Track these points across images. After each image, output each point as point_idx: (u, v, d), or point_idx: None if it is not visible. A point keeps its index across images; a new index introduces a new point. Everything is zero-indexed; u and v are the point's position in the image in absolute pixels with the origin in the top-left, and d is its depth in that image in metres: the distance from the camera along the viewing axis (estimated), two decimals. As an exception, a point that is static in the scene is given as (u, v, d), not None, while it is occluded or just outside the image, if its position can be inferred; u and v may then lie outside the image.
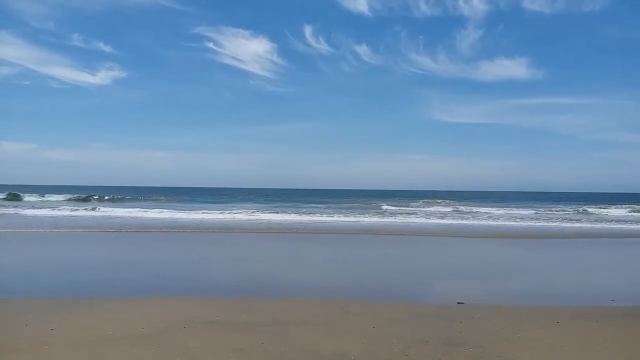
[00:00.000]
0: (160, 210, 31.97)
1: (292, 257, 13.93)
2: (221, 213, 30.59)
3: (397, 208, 41.16)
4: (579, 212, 39.63)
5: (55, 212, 29.66)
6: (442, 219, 30.02)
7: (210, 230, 20.70)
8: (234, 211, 32.46)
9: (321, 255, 14.56)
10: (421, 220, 28.78)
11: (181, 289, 8.85)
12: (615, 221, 30.72)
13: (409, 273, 11.46)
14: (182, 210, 32.40)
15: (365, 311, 7.03)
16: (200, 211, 31.59)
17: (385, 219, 28.80)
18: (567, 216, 35.53)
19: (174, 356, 5.04)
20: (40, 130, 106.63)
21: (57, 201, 45.98)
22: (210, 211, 31.92)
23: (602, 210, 42.25)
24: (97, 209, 32.36)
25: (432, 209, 42.08)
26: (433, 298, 8.38)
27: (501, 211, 39.54)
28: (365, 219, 28.51)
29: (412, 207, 44.18)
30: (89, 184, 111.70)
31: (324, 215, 30.73)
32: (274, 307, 7.26)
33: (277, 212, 32.65)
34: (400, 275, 11.14)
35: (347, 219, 28.69)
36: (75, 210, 31.49)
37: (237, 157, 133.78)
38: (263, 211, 33.50)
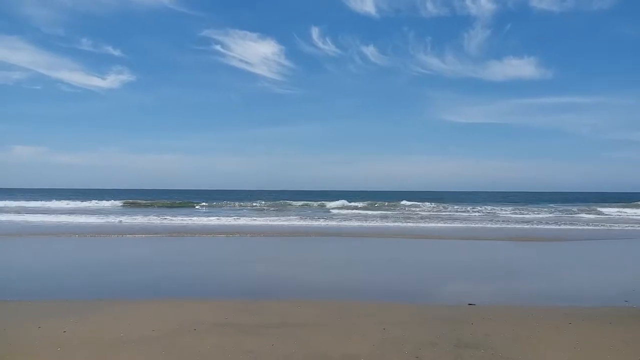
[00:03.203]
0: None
1: (300, 259, 13.94)
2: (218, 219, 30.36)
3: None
4: (589, 212, 39.21)
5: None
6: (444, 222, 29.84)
7: (217, 234, 20.79)
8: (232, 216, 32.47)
9: (329, 257, 14.54)
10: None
11: (191, 291, 8.90)
12: (628, 221, 30.37)
13: (418, 275, 11.41)
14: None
15: (375, 313, 7.01)
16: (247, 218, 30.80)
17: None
18: (578, 216, 35.19)
19: (185, 358, 5.06)
20: (51, 134, 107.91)
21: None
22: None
23: (613, 209, 41.76)
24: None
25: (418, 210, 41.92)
26: (444, 299, 8.33)
27: (513, 214, 39.26)
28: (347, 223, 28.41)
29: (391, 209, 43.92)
30: (101, 187, 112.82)
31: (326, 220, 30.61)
32: (283, 308, 7.27)
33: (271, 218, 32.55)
34: (409, 277, 11.09)
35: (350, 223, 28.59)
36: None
37: (246, 159, 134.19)
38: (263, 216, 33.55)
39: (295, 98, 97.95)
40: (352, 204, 47.64)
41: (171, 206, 44.84)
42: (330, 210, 41.92)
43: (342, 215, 35.32)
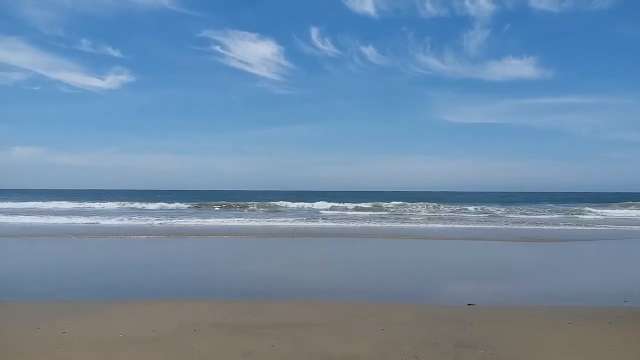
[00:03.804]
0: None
1: (299, 259, 13.93)
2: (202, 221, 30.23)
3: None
4: (589, 213, 39.22)
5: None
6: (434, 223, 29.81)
7: (216, 235, 20.78)
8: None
9: (328, 257, 14.53)
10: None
11: (190, 292, 8.89)
12: (626, 221, 30.39)
13: (418, 275, 11.41)
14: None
15: (374, 313, 7.01)
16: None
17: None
18: (578, 217, 35.21)
19: (184, 358, 5.05)
20: (50, 135, 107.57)
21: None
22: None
23: (612, 210, 41.80)
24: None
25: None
26: (443, 300, 8.33)
27: (512, 214, 39.26)
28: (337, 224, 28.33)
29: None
30: (100, 188, 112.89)
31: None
32: (283, 309, 7.27)
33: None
34: (409, 277, 11.09)
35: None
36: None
37: (245, 160, 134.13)
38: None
39: (294, 98, 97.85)
40: (345, 205, 46.86)
41: (169, 209, 44.57)
42: (320, 211, 41.56)
43: (337, 216, 35.29)
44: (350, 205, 45.90)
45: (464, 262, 13.39)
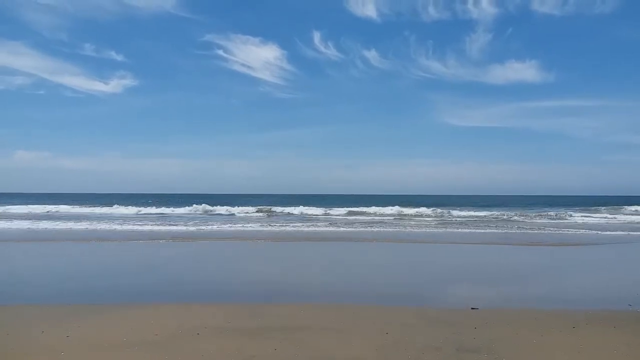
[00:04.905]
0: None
1: (300, 263, 13.92)
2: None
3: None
4: (591, 216, 39.10)
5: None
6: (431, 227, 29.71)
7: (216, 239, 20.79)
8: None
9: (330, 260, 14.52)
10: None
11: (193, 296, 8.89)
12: (629, 224, 30.29)
13: (421, 278, 11.39)
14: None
15: (377, 316, 7.00)
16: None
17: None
18: (580, 220, 35.10)
19: (188, 362, 5.06)
20: (53, 139, 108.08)
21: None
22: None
23: (615, 213, 41.66)
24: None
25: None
26: (446, 303, 8.31)
27: (514, 217, 39.18)
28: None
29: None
30: (103, 192, 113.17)
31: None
32: (285, 312, 7.26)
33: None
34: (412, 280, 11.07)
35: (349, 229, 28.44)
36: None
37: (248, 164, 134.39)
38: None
39: (297, 102, 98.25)
40: (346, 208, 46.29)
41: (169, 214, 44.56)
42: (321, 214, 41.43)
43: (338, 220, 35.28)
44: (351, 209, 45.85)
45: (466, 265, 13.36)
